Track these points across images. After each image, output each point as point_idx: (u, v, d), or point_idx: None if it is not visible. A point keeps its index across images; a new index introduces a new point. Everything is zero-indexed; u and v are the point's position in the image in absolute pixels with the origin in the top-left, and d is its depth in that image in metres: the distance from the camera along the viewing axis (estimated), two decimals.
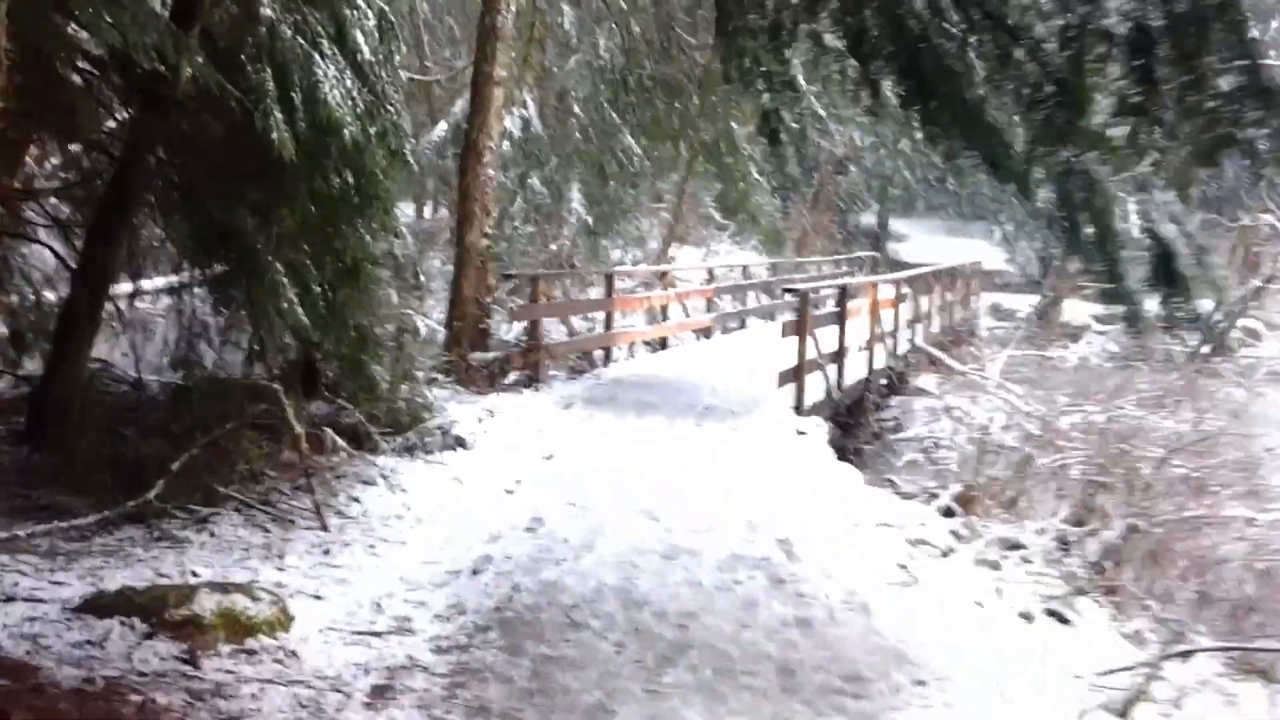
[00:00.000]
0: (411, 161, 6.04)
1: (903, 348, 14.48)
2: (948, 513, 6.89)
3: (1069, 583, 5.89)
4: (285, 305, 4.94)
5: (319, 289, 5.45)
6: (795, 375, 9.17)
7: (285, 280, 4.96)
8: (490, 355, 10.20)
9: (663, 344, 13.71)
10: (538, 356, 10.15)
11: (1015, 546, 6.80)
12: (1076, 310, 25.84)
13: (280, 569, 4.67)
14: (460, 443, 7.16)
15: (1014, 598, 5.09)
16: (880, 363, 12.72)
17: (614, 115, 11.35)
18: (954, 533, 6.21)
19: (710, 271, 15.28)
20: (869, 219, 37.84)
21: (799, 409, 9.20)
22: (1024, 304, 26.52)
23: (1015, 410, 13.91)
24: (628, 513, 6.02)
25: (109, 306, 6.49)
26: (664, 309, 13.58)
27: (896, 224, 38.06)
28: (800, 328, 9.06)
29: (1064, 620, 5.07)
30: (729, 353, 13.44)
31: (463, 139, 9.71)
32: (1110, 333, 24.93)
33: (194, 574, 4.42)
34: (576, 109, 15.45)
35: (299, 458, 5.49)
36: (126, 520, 5.07)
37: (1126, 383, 14.56)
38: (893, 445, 13.84)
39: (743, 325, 16.87)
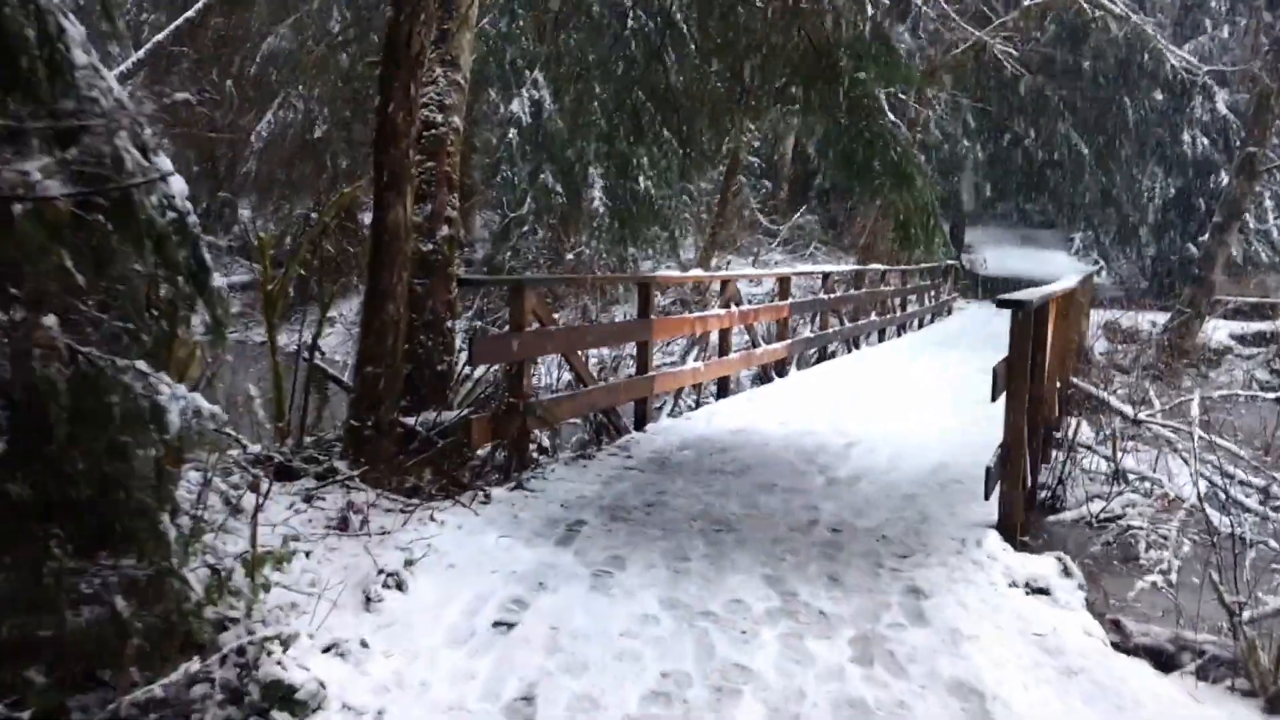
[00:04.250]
0: None
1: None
2: None
3: None
4: None
5: None
6: (1008, 463, 4.75)
7: None
8: (444, 417, 5.84)
9: (721, 388, 9.28)
10: (520, 423, 5.79)
11: None
12: (1208, 330, 21.24)
13: None
14: (285, 701, 2.78)
15: None
16: (1055, 410, 8.43)
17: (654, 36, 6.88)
18: None
19: (782, 282, 10.80)
20: None
21: (1011, 529, 4.79)
22: (1137, 322, 21.89)
23: (1221, 473, 9.54)
24: None
25: None
26: (724, 335, 9.14)
27: (966, 233, 33.71)
28: (1021, 375, 4.65)
29: None
30: (828, 402, 8.96)
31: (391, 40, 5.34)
32: (1259, 356, 20.33)
33: None
34: (596, 89, 11.19)
35: None
36: None
37: None
38: (1053, 529, 9.45)
39: (822, 356, 12.42)
